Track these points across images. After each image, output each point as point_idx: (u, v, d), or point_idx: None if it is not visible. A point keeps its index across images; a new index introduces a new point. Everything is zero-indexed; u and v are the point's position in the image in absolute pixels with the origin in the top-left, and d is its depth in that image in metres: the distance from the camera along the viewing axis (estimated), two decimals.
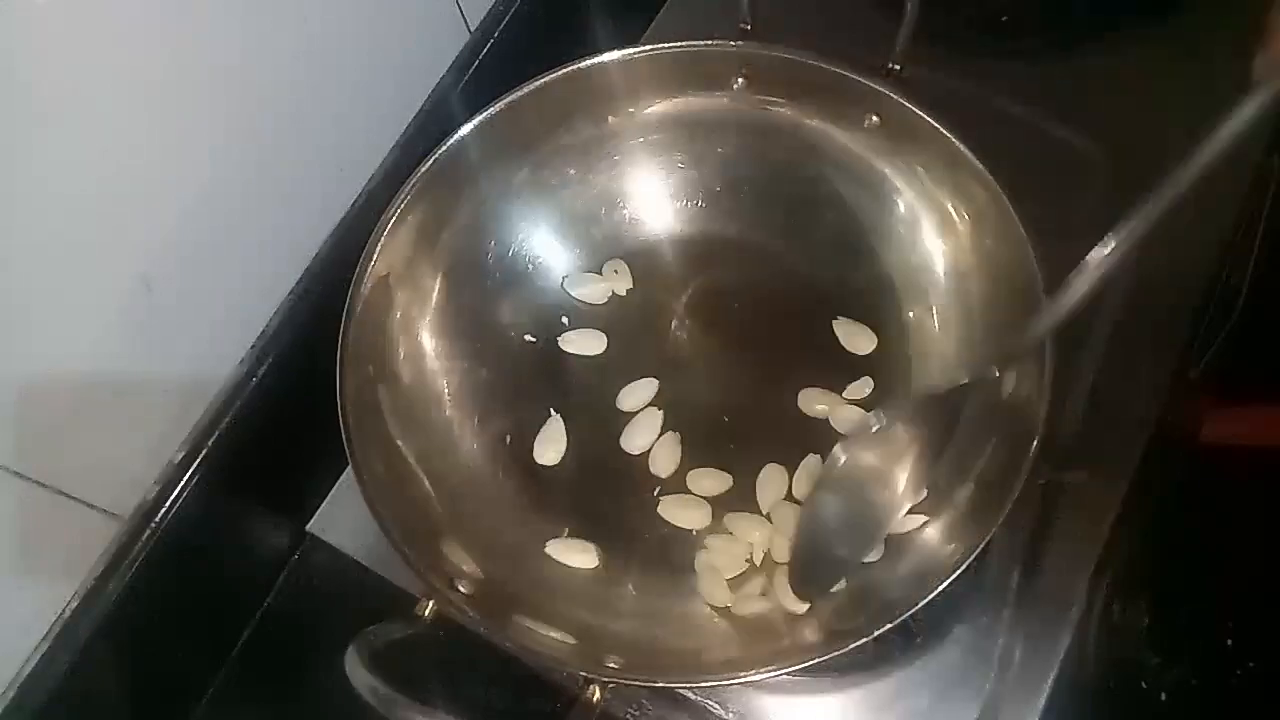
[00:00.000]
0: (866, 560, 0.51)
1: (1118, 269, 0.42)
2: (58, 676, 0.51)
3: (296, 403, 0.55)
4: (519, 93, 0.56)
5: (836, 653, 0.45)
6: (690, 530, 0.55)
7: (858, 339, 0.58)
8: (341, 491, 0.62)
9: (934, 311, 0.57)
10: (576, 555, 0.55)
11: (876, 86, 0.54)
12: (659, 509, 0.56)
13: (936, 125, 0.53)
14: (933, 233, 0.57)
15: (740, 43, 0.57)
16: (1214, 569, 0.57)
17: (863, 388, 0.57)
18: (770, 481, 0.56)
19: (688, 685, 0.53)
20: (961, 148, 0.52)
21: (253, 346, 0.57)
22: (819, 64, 0.56)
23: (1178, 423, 0.59)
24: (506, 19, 0.65)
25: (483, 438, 0.58)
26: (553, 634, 0.50)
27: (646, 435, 0.58)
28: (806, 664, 0.45)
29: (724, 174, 0.62)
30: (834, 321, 0.58)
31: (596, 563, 0.55)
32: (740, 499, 0.56)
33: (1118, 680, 0.56)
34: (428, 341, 0.58)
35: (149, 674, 0.56)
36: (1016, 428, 0.49)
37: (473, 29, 0.65)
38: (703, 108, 0.60)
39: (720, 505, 0.56)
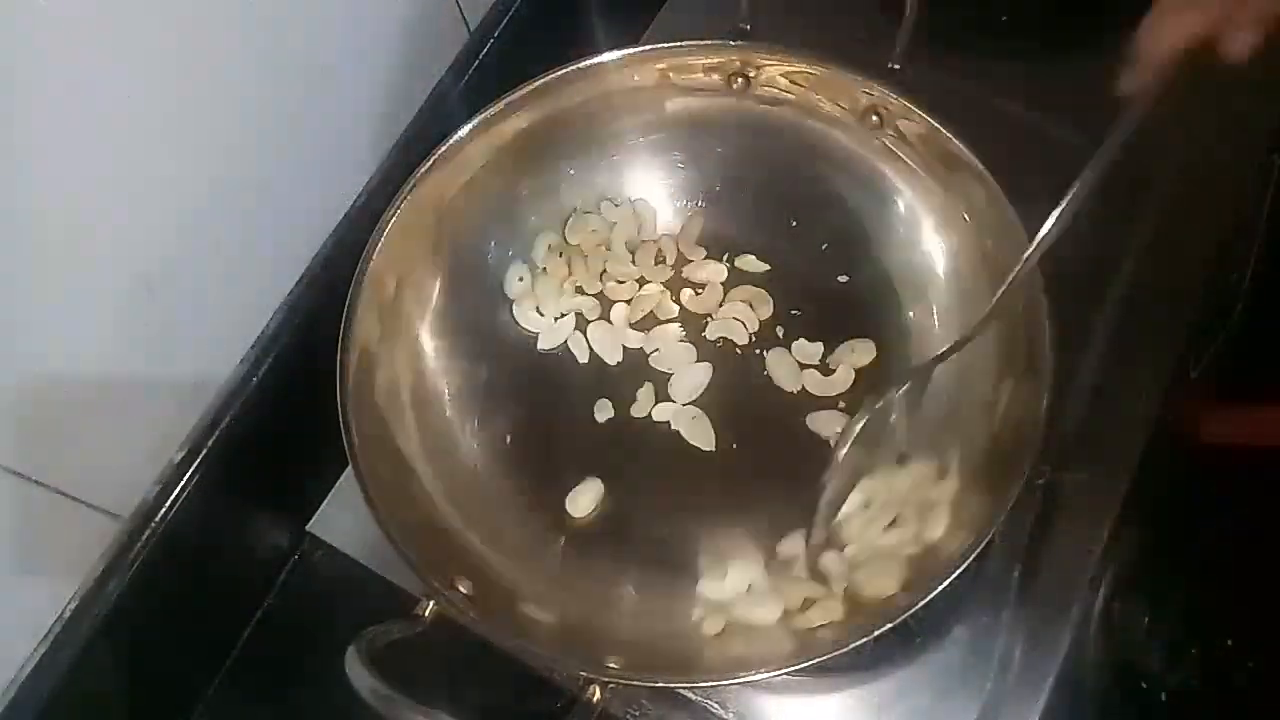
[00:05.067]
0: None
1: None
2: (58, 676, 0.51)
3: (296, 403, 0.55)
4: (519, 93, 0.56)
5: (836, 653, 0.45)
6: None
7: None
8: (341, 491, 0.62)
9: (934, 311, 0.57)
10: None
11: (876, 86, 0.54)
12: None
13: (936, 125, 0.53)
14: (933, 233, 0.57)
15: (740, 43, 0.57)
16: (1214, 569, 0.57)
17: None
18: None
19: (688, 685, 0.53)
20: (961, 148, 0.52)
21: (253, 346, 0.57)
22: (819, 64, 0.56)
23: (1178, 423, 0.59)
24: (506, 19, 0.65)
25: (483, 438, 0.58)
26: (553, 634, 0.50)
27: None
28: (806, 664, 0.45)
29: (724, 174, 0.62)
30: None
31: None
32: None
33: (1118, 680, 0.56)
34: (428, 341, 0.58)
35: (149, 674, 0.56)
36: (1017, 427, 0.49)
37: (473, 29, 0.65)
38: (703, 108, 0.60)
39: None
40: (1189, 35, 0.40)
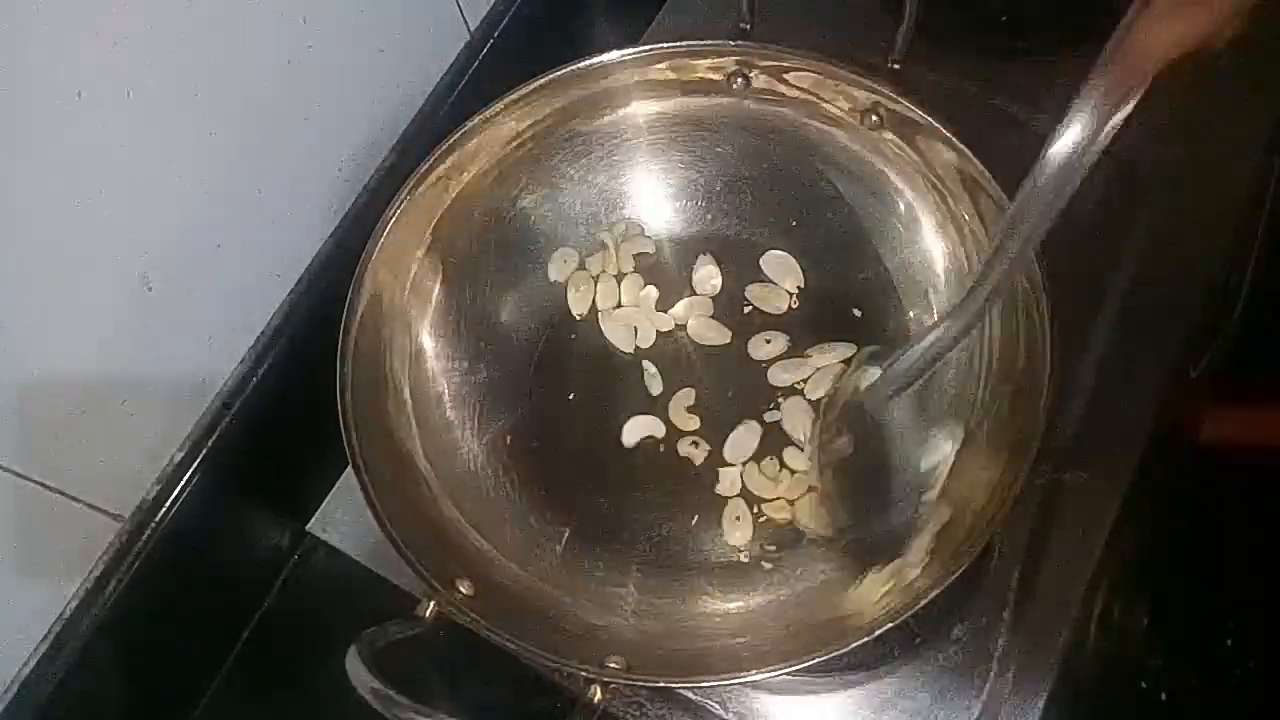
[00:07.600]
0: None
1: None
2: (58, 676, 0.51)
3: (296, 403, 0.55)
4: (519, 92, 0.56)
5: (836, 652, 0.45)
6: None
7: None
8: (341, 491, 0.62)
9: (934, 311, 0.57)
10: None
11: (876, 86, 0.54)
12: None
13: (936, 125, 0.53)
14: (933, 233, 0.57)
15: (740, 43, 0.57)
16: (1213, 569, 0.57)
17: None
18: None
19: (688, 685, 0.53)
20: (961, 148, 0.52)
21: (253, 346, 0.57)
22: (819, 63, 0.56)
23: (1178, 423, 0.59)
24: (506, 20, 0.65)
25: (483, 438, 0.58)
26: (554, 634, 0.50)
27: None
28: (806, 664, 0.45)
29: (724, 174, 0.62)
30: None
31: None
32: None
33: (1118, 680, 0.56)
34: (428, 341, 0.58)
35: (149, 674, 0.56)
36: (1017, 427, 0.49)
37: (473, 30, 0.65)
38: (703, 108, 0.60)
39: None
40: (1182, 41, 0.38)
